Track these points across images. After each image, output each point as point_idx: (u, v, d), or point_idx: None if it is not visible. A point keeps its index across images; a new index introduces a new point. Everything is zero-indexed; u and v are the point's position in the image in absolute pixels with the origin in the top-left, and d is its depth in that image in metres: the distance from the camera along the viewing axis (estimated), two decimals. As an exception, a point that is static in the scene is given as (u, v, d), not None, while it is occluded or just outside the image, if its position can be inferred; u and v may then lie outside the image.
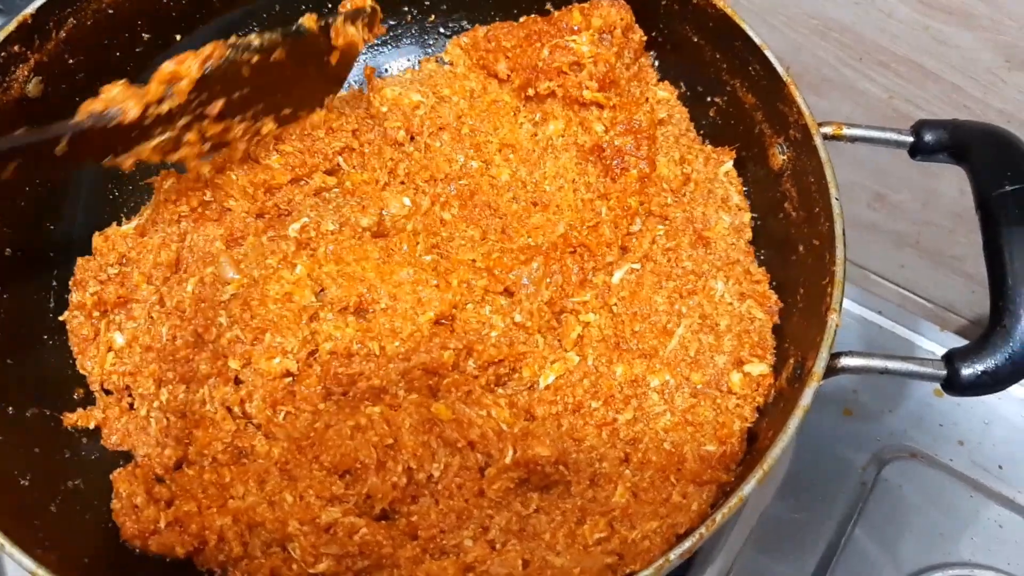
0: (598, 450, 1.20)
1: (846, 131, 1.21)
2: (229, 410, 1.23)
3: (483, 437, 1.17)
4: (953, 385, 1.08)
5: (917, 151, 1.20)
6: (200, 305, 1.28)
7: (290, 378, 1.24)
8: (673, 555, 0.98)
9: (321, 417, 1.20)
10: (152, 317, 1.30)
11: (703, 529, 0.99)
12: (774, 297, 1.26)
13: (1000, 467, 1.56)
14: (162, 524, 1.14)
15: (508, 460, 1.15)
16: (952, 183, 1.65)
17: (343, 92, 1.42)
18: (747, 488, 1.01)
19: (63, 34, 1.29)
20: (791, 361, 1.17)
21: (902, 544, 1.47)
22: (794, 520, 1.48)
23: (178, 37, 1.42)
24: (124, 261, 1.33)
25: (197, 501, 1.15)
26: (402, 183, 1.40)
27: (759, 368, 1.21)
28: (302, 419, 1.21)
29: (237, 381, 1.24)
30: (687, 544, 0.99)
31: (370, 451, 1.14)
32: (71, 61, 1.31)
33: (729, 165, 1.37)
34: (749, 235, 1.33)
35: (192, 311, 1.28)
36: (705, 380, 1.22)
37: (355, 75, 1.43)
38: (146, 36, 1.39)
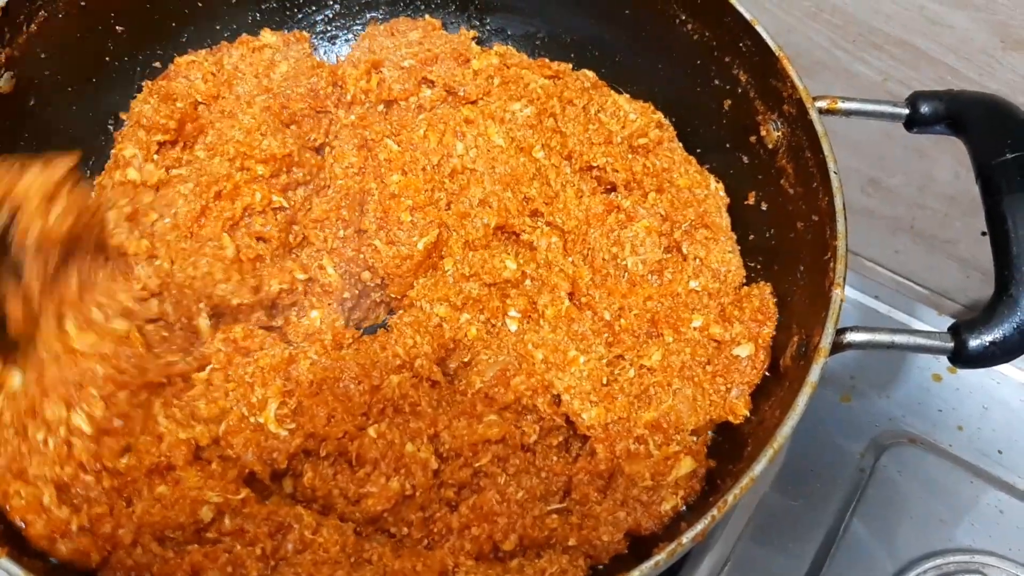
0: None
1: (841, 105, 1.19)
2: None
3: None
4: (960, 357, 1.06)
5: (913, 123, 1.18)
6: None
7: None
8: (685, 538, 0.95)
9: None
10: None
11: (715, 511, 0.96)
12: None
13: (1000, 452, 1.54)
14: (74, 527, 1.03)
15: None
16: (947, 166, 1.63)
17: None
18: (758, 468, 0.98)
19: (34, 27, 1.26)
20: (795, 339, 1.14)
21: (901, 531, 1.45)
22: (792, 508, 1.46)
23: (153, 34, 1.40)
24: None
25: (110, 503, 1.06)
26: None
27: (687, 466, 1.15)
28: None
29: None
30: (699, 527, 0.96)
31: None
32: (43, 55, 1.28)
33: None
34: None
35: None
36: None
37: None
38: (120, 30, 1.36)
